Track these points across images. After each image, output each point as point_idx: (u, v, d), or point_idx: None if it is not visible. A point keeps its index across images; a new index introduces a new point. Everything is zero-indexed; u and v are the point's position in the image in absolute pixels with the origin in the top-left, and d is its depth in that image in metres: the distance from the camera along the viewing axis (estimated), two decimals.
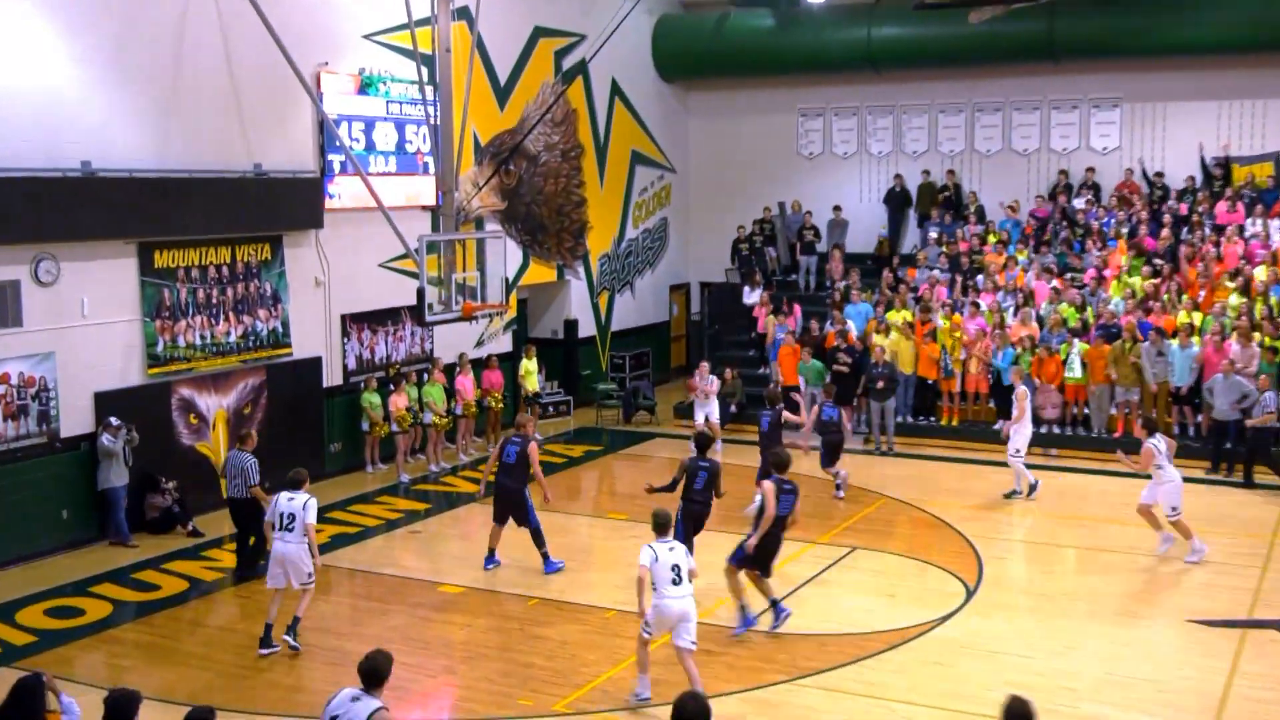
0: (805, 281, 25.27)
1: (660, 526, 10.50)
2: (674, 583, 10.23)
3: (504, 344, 22.88)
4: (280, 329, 18.20)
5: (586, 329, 25.29)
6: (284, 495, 11.88)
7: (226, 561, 14.88)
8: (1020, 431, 16.99)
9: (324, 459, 18.99)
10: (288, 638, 11.86)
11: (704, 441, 13.17)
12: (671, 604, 10.23)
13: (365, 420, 19.09)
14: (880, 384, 20.00)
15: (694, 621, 10.32)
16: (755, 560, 11.96)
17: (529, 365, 21.80)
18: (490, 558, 14.29)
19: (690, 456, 13.05)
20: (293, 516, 11.76)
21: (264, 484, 14.17)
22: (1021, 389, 17.30)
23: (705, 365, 20.47)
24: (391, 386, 19.44)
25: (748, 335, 24.30)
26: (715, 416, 20.11)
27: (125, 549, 15.49)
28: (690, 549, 11.62)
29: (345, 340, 19.47)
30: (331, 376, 19.22)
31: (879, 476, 18.72)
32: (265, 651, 11.84)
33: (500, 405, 20.91)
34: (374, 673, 7.43)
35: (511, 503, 13.97)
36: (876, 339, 20.93)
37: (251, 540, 14.29)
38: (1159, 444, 14.32)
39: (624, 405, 23.38)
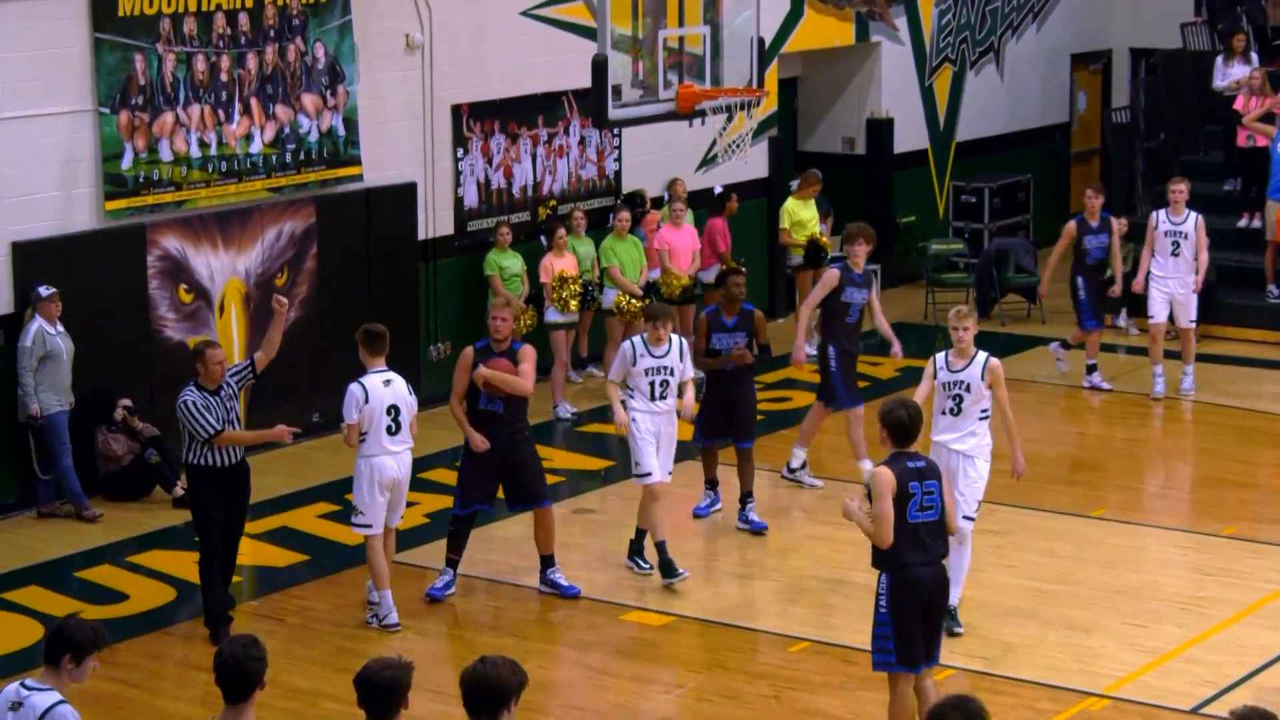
0: None
1: (373, 344, 13.29)
2: (390, 431, 13.15)
3: (757, 166, 22.88)
4: (342, 131, 18.52)
5: (910, 138, 25.30)
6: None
7: (244, 551, 15.15)
8: None
9: (419, 368, 19.24)
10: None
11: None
12: (388, 461, 13.19)
13: (495, 300, 19.28)
14: None
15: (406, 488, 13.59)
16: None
17: (797, 207, 21.70)
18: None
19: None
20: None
21: (216, 431, 13.17)
22: None
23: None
24: (544, 241, 19.69)
25: (1224, 153, 23.83)
26: None
27: (77, 523, 15.99)
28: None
29: (460, 154, 19.77)
30: (434, 221, 19.63)
31: None
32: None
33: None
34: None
35: None
36: None
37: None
38: None
39: (979, 284, 23.16)
